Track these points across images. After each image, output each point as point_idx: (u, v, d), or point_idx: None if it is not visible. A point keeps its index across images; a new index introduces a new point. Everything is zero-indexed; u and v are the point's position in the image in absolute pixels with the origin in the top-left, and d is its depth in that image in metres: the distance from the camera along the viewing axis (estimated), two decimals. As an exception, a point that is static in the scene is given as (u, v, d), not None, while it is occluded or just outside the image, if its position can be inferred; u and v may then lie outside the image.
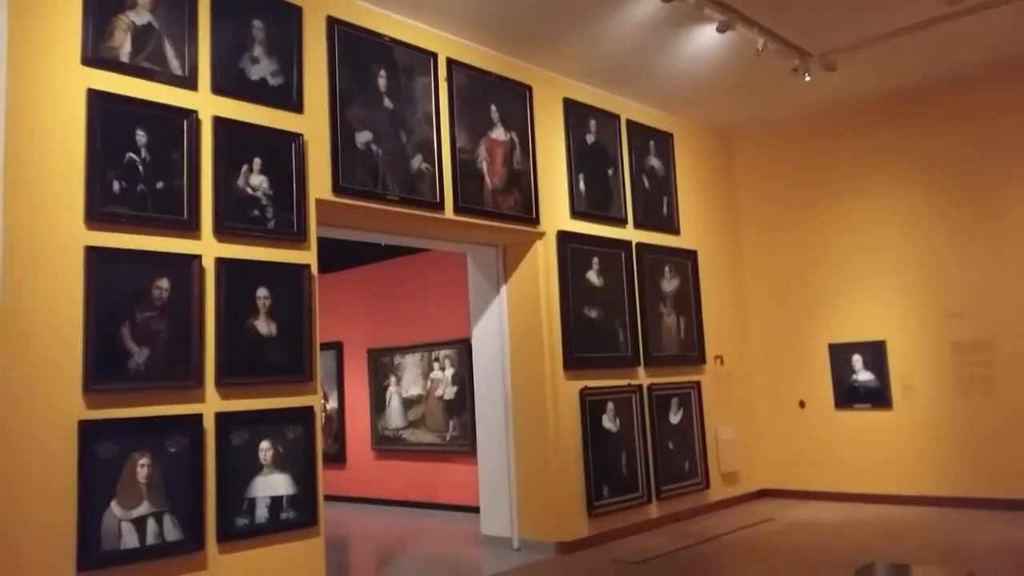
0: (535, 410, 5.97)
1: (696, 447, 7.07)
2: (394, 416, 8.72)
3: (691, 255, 7.40)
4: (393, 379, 8.77)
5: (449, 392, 8.15)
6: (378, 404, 8.90)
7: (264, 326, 4.29)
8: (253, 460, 4.15)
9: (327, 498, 9.43)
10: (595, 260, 6.38)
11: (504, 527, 6.11)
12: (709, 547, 5.82)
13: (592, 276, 6.35)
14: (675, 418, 6.91)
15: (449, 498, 8.08)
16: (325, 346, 9.54)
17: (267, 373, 4.27)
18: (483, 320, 6.43)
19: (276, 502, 4.20)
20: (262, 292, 4.30)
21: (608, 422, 6.24)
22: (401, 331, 8.75)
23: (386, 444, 8.79)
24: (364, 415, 9.08)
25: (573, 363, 6.05)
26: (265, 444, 4.20)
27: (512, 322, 6.20)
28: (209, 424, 4.01)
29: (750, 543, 5.87)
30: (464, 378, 7.83)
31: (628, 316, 6.59)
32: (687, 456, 6.96)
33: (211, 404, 4.03)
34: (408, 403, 8.58)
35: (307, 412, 4.39)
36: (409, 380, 8.59)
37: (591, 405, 6.12)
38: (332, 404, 9.53)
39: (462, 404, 7.90)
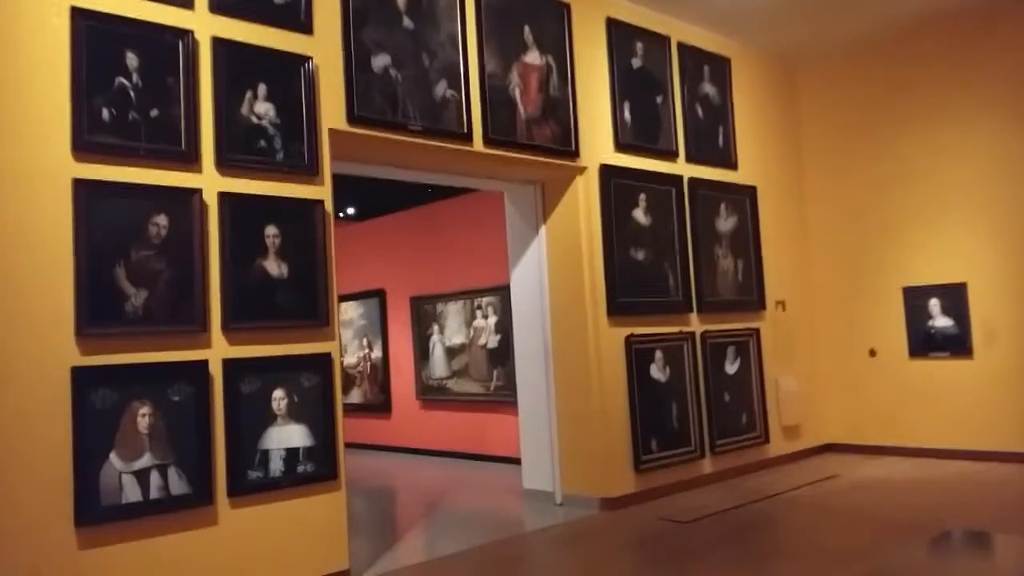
0: (577, 359, 5.57)
1: (754, 399, 6.59)
2: (438, 365, 8.45)
3: (750, 191, 6.82)
4: (436, 327, 8.47)
5: (492, 341, 7.81)
6: (422, 353, 8.64)
7: (274, 267, 3.97)
8: (266, 410, 3.87)
9: (373, 448, 9.43)
10: (642, 197, 5.88)
11: (546, 481, 5.78)
12: (766, 505, 5.39)
13: (639, 214, 5.85)
14: (731, 368, 6.43)
15: (494, 449, 7.81)
16: (368, 294, 9.35)
17: (279, 317, 3.96)
18: (521, 263, 6.02)
19: (292, 454, 3.93)
20: (271, 230, 3.97)
21: (657, 372, 5.81)
22: (443, 278, 8.42)
23: (431, 394, 8.54)
24: (408, 364, 8.85)
25: (618, 308, 5.61)
26: (279, 393, 3.91)
27: (551, 265, 5.78)
28: (216, 371, 3.73)
29: (812, 502, 5.41)
30: (507, 326, 7.44)
31: (679, 258, 6.09)
32: (744, 408, 6.49)
33: (218, 350, 3.75)
34: (451, 352, 8.29)
35: (324, 359, 4.08)
36: (452, 328, 8.29)
37: (638, 353, 5.69)
38: (377, 353, 9.32)
39: (506, 353, 7.56)
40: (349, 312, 9.71)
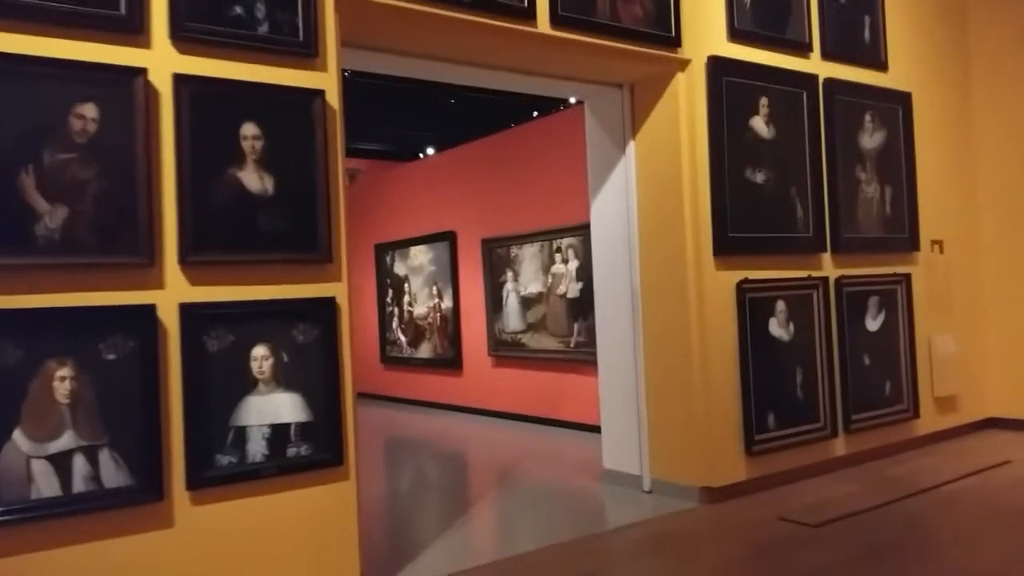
0: (674, 310, 4.35)
1: (902, 363, 5.20)
2: (512, 317, 7.37)
3: (902, 99, 5.32)
4: (510, 274, 7.37)
5: (573, 289, 6.65)
6: (494, 303, 7.58)
7: (254, 180, 2.92)
8: (242, 373, 2.87)
9: (443, 407, 8.51)
10: (764, 102, 4.53)
11: (631, 461, 4.64)
12: (921, 503, 4.09)
13: (759, 124, 4.51)
14: (873, 323, 5.05)
15: (573, 415, 6.71)
16: (437, 237, 8.34)
17: (261, 248, 2.92)
18: (604, 191, 4.80)
19: (279, 432, 2.93)
20: (250, 129, 2.91)
21: (777, 328, 4.53)
22: (518, 217, 7.27)
23: (503, 349, 7.49)
24: (480, 316, 7.81)
25: (728, 246, 4.34)
26: (261, 351, 2.90)
27: (642, 191, 4.54)
28: (170, 319, 2.74)
29: (985, 499, 4.08)
30: (591, 272, 6.29)
31: (810, 182, 4.72)
32: (888, 374, 5.12)
33: (173, 291, 2.76)
34: (527, 302, 7.18)
35: (326, 307, 3.03)
36: (528, 275, 7.16)
37: (753, 304, 4.42)
38: (447, 303, 8.33)
39: (588, 304, 6.35)
40: (419, 257, 8.74)
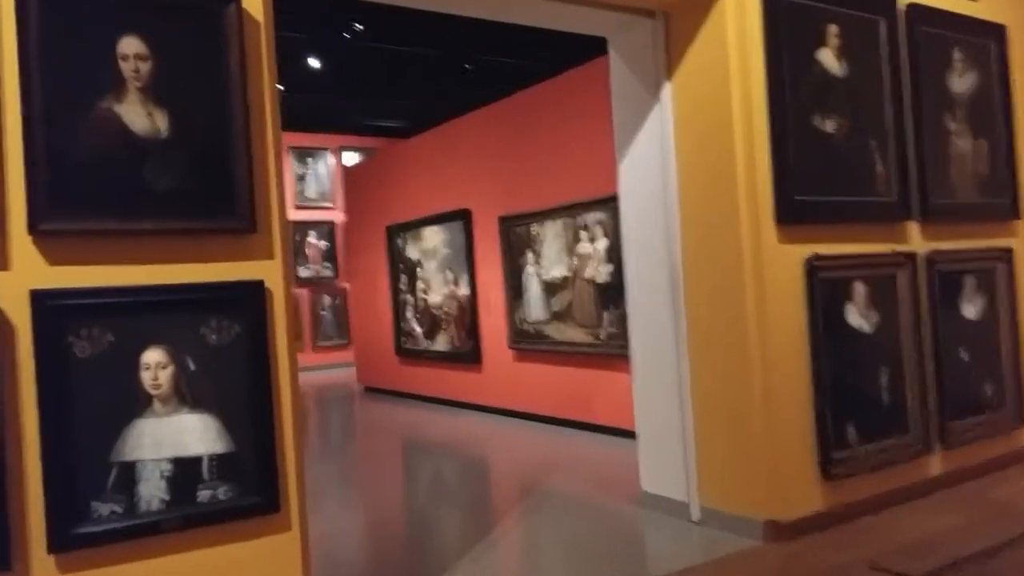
0: (725, 295, 3.47)
1: (1004, 358, 4.24)
2: (534, 305, 6.51)
3: (996, 33, 4.32)
4: (531, 255, 6.51)
5: (602, 273, 5.76)
6: (514, 289, 6.73)
7: (139, 116, 2.10)
8: (128, 387, 2.06)
9: (459, 405, 7.69)
10: (833, 30, 3.60)
11: (675, 485, 3.76)
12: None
13: (827, 58, 3.59)
14: (971, 309, 4.10)
15: (605, 418, 5.84)
16: (450, 216, 7.52)
17: (151, 213, 2.10)
18: (634, 148, 3.91)
19: (186, 469, 2.12)
20: (131, 46, 2.09)
21: (856, 316, 3.61)
22: (538, 190, 6.40)
23: (526, 341, 6.64)
24: (499, 303, 6.96)
25: (794, 212, 3.43)
26: (155, 356, 2.09)
27: (682, 147, 3.64)
28: (18, 312, 1.95)
29: None
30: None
31: (893, 132, 3.79)
32: (989, 373, 4.16)
33: (21, 273, 1.96)
34: (550, 288, 6.31)
35: (250, 293, 2.21)
36: (550, 256, 6.29)
37: (825, 287, 3.50)
38: (463, 290, 7.50)
39: (620, 289, 5.48)
40: (432, 239, 7.93)
